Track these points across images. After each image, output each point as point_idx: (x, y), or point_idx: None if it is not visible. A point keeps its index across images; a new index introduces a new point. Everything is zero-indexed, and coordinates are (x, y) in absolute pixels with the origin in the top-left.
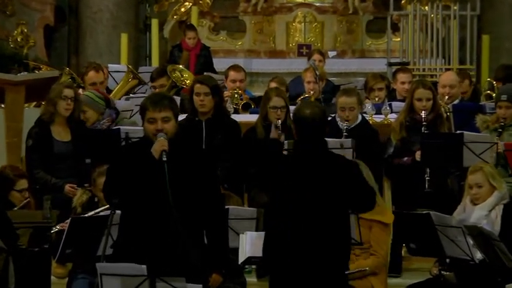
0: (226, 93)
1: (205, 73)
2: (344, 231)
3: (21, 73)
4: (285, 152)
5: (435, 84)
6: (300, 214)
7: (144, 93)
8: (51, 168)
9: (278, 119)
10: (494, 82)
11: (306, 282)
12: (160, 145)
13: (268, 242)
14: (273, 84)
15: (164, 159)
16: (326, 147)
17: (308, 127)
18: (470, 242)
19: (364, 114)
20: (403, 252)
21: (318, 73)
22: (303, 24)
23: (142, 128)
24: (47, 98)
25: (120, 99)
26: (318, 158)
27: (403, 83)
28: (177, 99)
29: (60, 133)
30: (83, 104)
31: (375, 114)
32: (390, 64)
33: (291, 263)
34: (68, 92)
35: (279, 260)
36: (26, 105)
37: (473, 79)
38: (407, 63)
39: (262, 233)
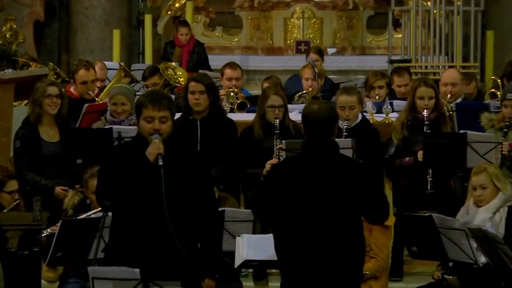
0: (221, 91)
1: (200, 71)
2: (357, 234)
3: (9, 70)
4: (282, 152)
5: (438, 82)
6: (309, 217)
7: (137, 91)
8: (41, 169)
9: (276, 118)
10: (499, 80)
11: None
12: (155, 148)
13: (279, 245)
14: (267, 85)
15: (160, 163)
16: (336, 148)
17: (315, 123)
18: (474, 245)
19: (365, 113)
20: (404, 255)
21: (316, 70)
22: (301, 20)
23: (135, 127)
24: (32, 99)
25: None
26: (327, 158)
27: (399, 86)
28: (172, 97)
29: (48, 133)
30: (124, 95)
31: (376, 113)
32: (391, 61)
33: (303, 268)
34: (52, 90)
35: (290, 264)
36: (16, 103)
37: (477, 77)
38: (409, 61)
39: (260, 236)
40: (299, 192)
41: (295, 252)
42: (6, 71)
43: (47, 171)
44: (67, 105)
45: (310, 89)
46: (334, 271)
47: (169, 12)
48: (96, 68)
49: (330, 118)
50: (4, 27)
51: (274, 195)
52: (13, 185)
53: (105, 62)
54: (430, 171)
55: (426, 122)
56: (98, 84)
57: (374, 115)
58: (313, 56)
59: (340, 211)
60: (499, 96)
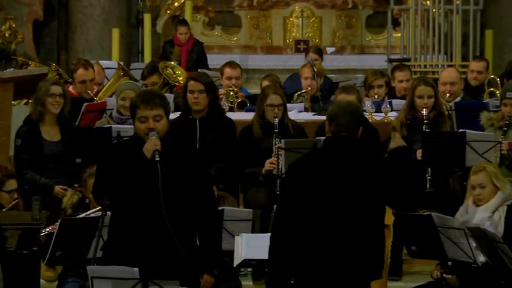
0: (221, 90)
1: (199, 70)
2: (380, 236)
3: (11, 69)
4: (282, 151)
5: (437, 81)
6: (329, 218)
7: None
8: (41, 168)
9: (275, 117)
10: (498, 79)
11: None
12: (152, 144)
13: (284, 245)
14: (266, 83)
15: (157, 159)
16: (359, 147)
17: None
18: (473, 244)
19: (364, 112)
20: (403, 254)
21: (315, 69)
22: (300, 19)
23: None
24: (35, 97)
25: (111, 96)
26: (350, 157)
27: (400, 81)
28: (171, 96)
29: (50, 132)
30: (133, 90)
31: (375, 112)
32: (390, 60)
33: (314, 272)
34: (56, 89)
35: (300, 267)
36: (15, 102)
37: None
38: (408, 60)
39: (259, 235)
40: (319, 191)
41: (313, 253)
42: (8, 70)
43: (47, 170)
44: (70, 105)
45: (309, 88)
46: (353, 272)
47: (168, 11)
48: None
49: (355, 118)
50: (3, 27)
51: (292, 195)
52: (12, 184)
53: (104, 61)
54: (429, 170)
55: (425, 121)
56: (96, 88)
57: (373, 114)
58: (312, 55)
59: (362, 212)
60: (498, 95)
